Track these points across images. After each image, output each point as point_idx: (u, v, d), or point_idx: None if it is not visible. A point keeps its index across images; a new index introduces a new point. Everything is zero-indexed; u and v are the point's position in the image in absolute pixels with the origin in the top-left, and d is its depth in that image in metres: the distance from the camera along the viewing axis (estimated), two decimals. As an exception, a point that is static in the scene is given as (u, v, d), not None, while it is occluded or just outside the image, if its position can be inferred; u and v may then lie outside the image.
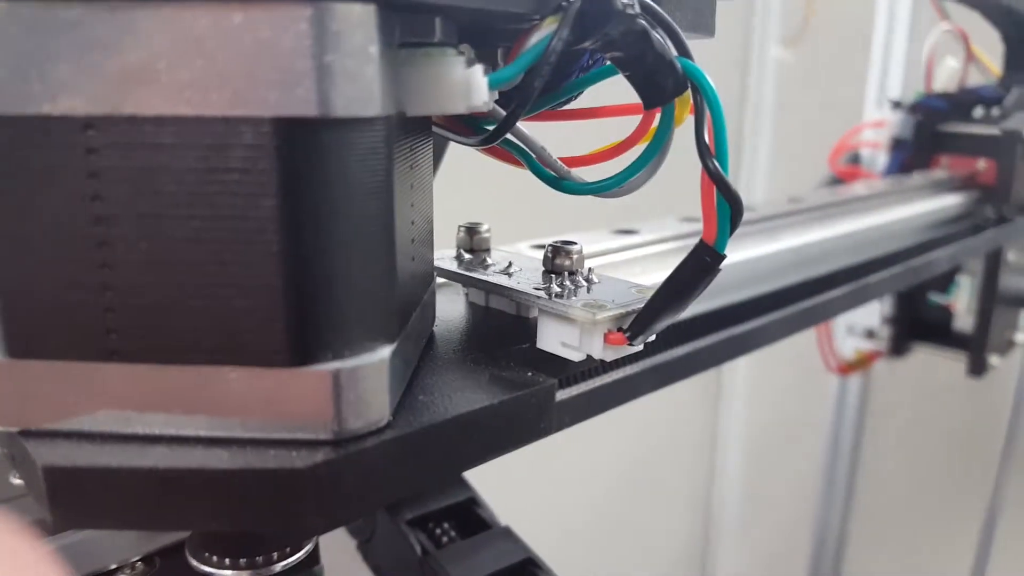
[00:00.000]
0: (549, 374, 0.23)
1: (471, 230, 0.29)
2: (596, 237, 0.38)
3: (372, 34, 0.16)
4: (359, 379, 0.18)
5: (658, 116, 0.22)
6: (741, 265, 0.41)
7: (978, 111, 0.71)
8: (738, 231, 0.45)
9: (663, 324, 0.23)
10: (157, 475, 0.17)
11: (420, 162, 0.22)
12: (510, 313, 0.28)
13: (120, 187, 0.17)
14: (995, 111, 0.70)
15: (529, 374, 0.22)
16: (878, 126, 0.72)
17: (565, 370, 0.24)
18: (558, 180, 0.24)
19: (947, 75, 0.74)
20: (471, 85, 0.19)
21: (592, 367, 0.26)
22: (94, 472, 0.17)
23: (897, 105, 0.72)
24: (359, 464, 0.18)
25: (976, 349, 0.71)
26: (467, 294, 0.29)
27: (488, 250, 0.29)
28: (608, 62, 0.22)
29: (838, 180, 0.74)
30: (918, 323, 0.76)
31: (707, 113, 0.21)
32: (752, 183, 1.10)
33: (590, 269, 0.26)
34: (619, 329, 0.23)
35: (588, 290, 0.25)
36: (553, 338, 0.24)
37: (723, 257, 0.22)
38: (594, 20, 0.20)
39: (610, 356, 0.23)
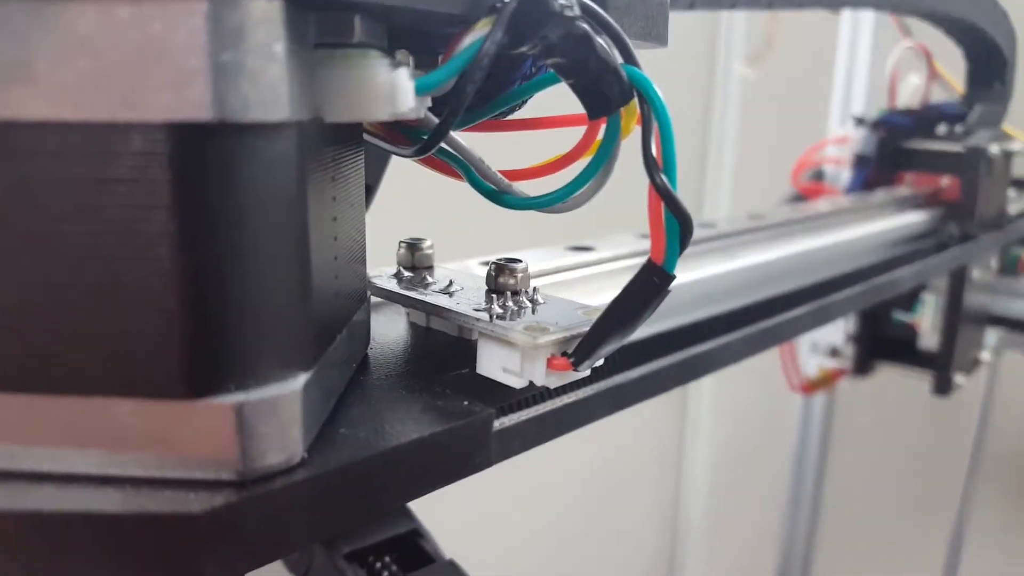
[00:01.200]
0: (489, 402, 0.22)
1: (412, 246, 0.28)
2: (549, 254, 0.37)
3: (278, 31, 0.15)
4: (266, 412, 0.16)
5: (603, 127, 0.21)
6: (699, 283, 0.40)
7: (941, 128, 0.70)
8: (696, 248, 0.44)
9: (610, 349, 0.22)
10: (39, 520, 0.15)
11: (346, 173, 0.20)
12: (451, 335, 0.26)
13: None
14: (958, 128, 0.70)
15: (465, 403, 0.21)
16: (841, 142, 0.72)
17: (507, 397, 0.22)
18: (498, 194, 0.22)
19: (910, 92, 0.74)
20: (395, 89, 0.17)
21: (538, 392, 0.24)
22: (-34, 517, 0.15)
23: (860, 122, 0.71)
24: (266, 507, 0.16)
25: (941, 368, 0.70)
26: (408, 314, 0.28)
27: (431, 267, 0.28)
28: (551, 69, 0.21)
29: (801, 197, 0.73)
30: (882, 341, 0.76)
31: (654, 124, 0.20)
32: (716, 200, 1.09)
33: (535, 289, 0.24)
34: (563, 354, 0.22)
35: (533, 311, 0.23)
36: (493, 363, 0.22)
37: (672, 278, 0.21)
38: (530, 23, 0.18)
39: (553, 383, 0.22)
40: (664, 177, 0.20)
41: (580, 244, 0.38)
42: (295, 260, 0.17)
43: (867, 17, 0.91)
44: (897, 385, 0.82)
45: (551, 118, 0.22)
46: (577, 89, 0.20)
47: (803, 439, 1.09)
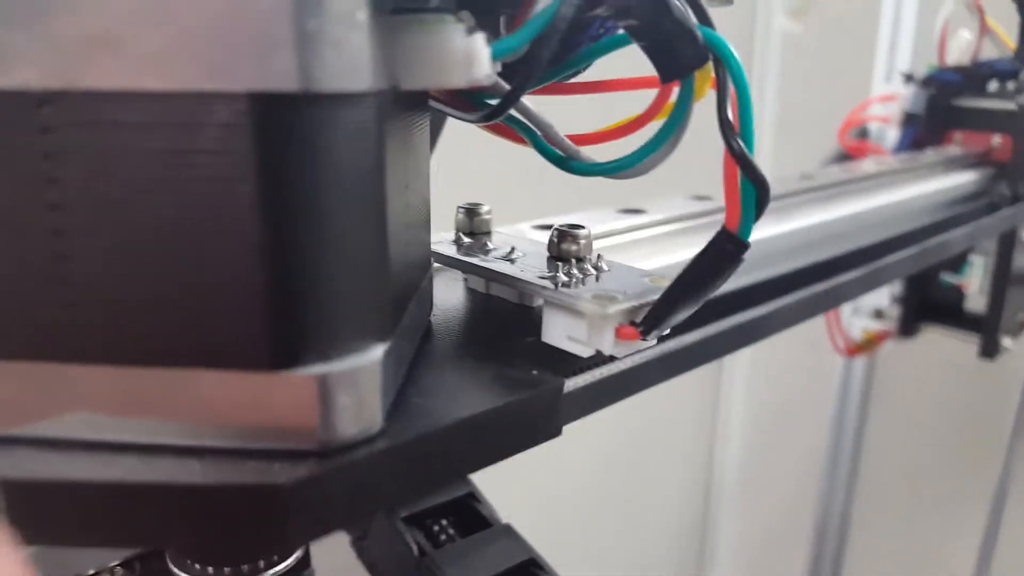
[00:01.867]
0: (556, 371, 0.21)
1: (471, 211, 0.27)
2: (600, 217, 0.36)
3: (360, -3, 0.14)
4: (349, 383, 0.16)
5: (676, 90, 0.20)
6: (753, 246, 0.39)
7: (992, 85, 0.68)
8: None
9: (679, 318, 0.21)
10: (125, 489, 0.16)
11: (415, 140, 0.20)
12: (512, 301, 0.26)
13: (78, 170, 0.15)
14: (1010, 85, 0.68)
15: (534, 372, 0.21)
16: (889, 100, 0.70)
17: (573, 365, 0.22)
18: (565, 160, 0.22)
19: (960, 48, 0.72)
20: (472, 56, 0.17)
21: (598, 359, 0.24)
22: (57, 486, 0.16)
23: (909, 78, 0.69)
24: (347, 478, 0.16)
25: (989, 331, 0.69)
26: (466, 280, 0.28)
27: (488, 233, 0.28)
28: (621, 31, 0.20)
29: (846, 156, 0.72)
30: (929, 303, 0.75)
31: (731, 87, 0.19)
32: (756, 158, 1.08)
33: (599, 255, 0.24)
34: (631, 323, 0.21)
35: (597, 279, 0.23)
36: (559, 332, 0.22)
37: (747, 246, 0.20)
38: (608, -17, 0.18)
39: (621, 352, 0.22)
40: (741, 142, 0.19)
41: (631, 207, 0.38)
42: (375, 230, 0.17)
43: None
44: (937, 346, 0.81)
45: (620, 80, 0.22)
46: (649, 51, 0.20)
47: (842, 400, 1.09)
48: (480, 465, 0.19)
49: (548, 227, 0.33)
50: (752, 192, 0.20)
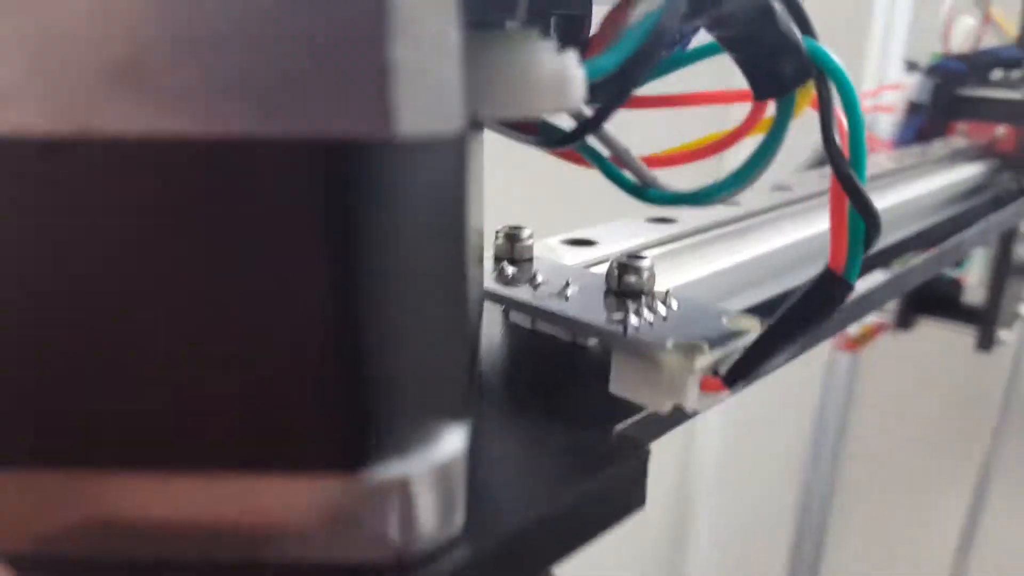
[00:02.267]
0: (635, 428, 0.19)
1: (512, 237, 0.25)
2: (630, 228, 0.34)
3: (451, 13, 0.12)
4: (431, 482, 0.13)
5: (772, 107, 0.18)
6: (777, 254, 0.37)
7: (996, 74, 0.67)
8: (773, 213, 0.41)
9: (768, 367, 0.19)
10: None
11: (478, 172, 0.17)
12: (563, 339, 0.23)
13: (95, 236, 0.12)
14: (1015, 74, 0.66)
15: (616, 437, 0.18)
16: (894, 89, 0.68)
17: (651, 423, 0.20)
18: (641, 189, 0.19)
19: (963, 35, 0.70)
20: (565, 79, 0.14)
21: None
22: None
23: (913, 67, 0.68)
24: (430, 595, 0.13)
25: (987, 324, 0.68)
26: (506, 311, 0.25)
27: (531, 259, 0.25)
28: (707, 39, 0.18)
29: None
30: (926, 296, 0.73)
31: (838, 108, 0.17)
32: (737, 149, 1.06)
33: (668, 291, 0.22)
34: (714, 372, 0.19)
35: (665, 318, 0.21)
36: (632, 383, 0.20)
37: (851, 289, 0.18)
38: (716, -8, 0.15)
39: (704, 406, 0.19)
40: (852, 170, 0.17)
41: (660, 216, 0.35)
42: (457, 293, 0.14)
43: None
44: (924, 336, 0.80)
45: (705, 94, 0.19)
46: (744, 65, 0.17)
47: (826, 389, 1.08)
48: (566, 554, 0.16)
49: (579, 242, 0.31)
50: (861, 228, 0.17)
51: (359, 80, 0.11)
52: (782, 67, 0.17)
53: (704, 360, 0.18)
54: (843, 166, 0.17)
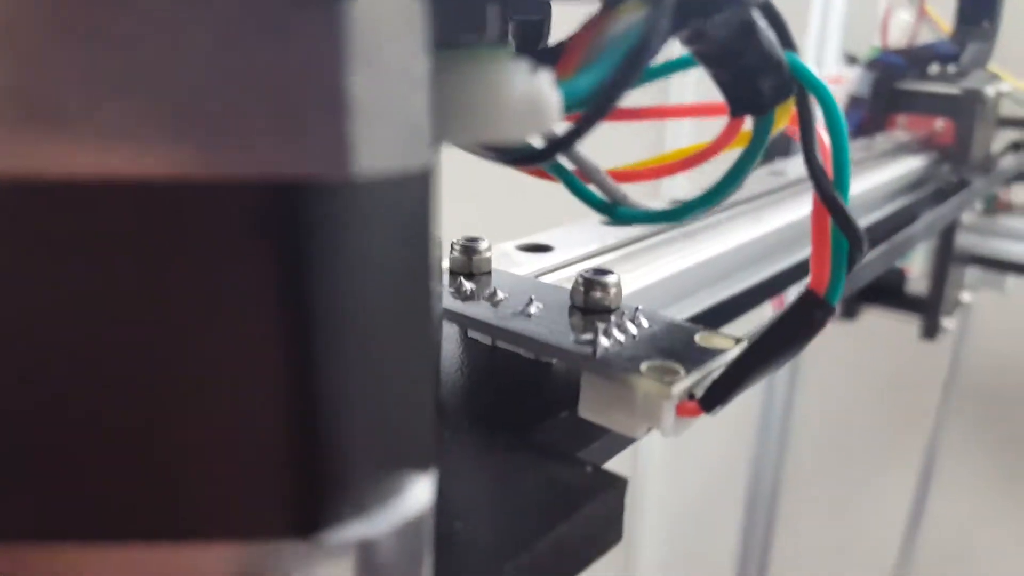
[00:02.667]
0: (599, 450, 0.18)
1: (469, 249, 0.23)
2: (586, 233, 0.33)
3: (418, 41, 0.10)
4: (393, 542, 0.12)
5: (752, 123, 0.17)
6: (732, 253, 0.37)
7: (934, 68, 0.68)
8: (718, 214, 0.41)
9: (746, 389, 0.18)
10: None
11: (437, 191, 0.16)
12: (526, 357, 0.22)
13: (26, 286, 0.10)
14: (951, 68, 0.67)
15: (589, 469, 0.17)
16: (835, 82, 0.68)
17: (620, 445, 0.19)
18: (611, 206, 0.18)
19: (899, 30, 0.71)
20: (539, 103, 0.13)
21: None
22: None
23: (853, 60, 0.68)
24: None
25: (931, 312, 0.69)
26: (464, 329, 0.24)
27: (489, 273, 0.24)
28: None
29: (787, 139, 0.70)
30: (871, 285, 0.74)
31: (820, 126, 0.16)
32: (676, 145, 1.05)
33: (637, 308, 0.21)
34: (690, 396, 0.18)
35: (635, 337, 0.20)
36: (603, 408, 0.19)
37: (833, 311, 0.17)
38: (697, 7, 0.14)
39: (679, 430, 0.18)
40: (835, 190, 0.16)
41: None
42: (422, 338, 0.13)
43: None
44: (868, 322, 0.81)
45: (681, 107, 0.18)
46: (722, 80, 0.16)
47: (773, 377, 1.09)
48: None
49: (536, 247, 0.30)
50: (844, 248, 0.16)
51: (314, 115, 0.10)
52: (761, 84, 0.16)
53: (681, 385, 0.17)
54: (827, 186, 0.16)
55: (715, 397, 0.18)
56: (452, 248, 0.24)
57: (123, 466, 0.11)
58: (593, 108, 0.14)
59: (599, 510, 0.16)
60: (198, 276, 0.10)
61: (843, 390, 1.13)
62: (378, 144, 0.10)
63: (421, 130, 0.11)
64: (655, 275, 0.31)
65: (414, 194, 0.11)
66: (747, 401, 1.13)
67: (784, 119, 0.17)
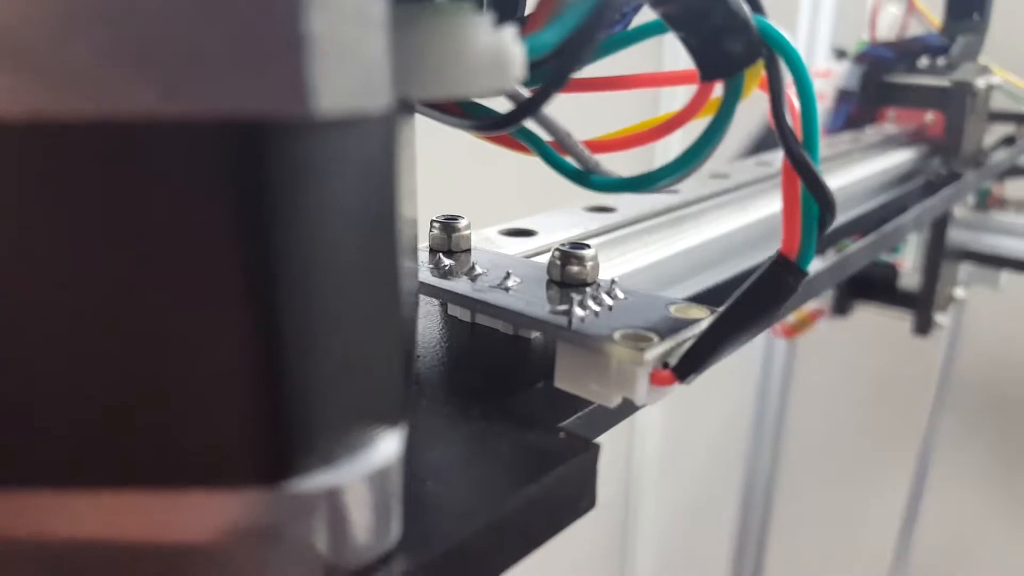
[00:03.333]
0: (577, 423, 0.18)
1: (447, 226, 0.23)
2: (569, 217, 0.33)
3: (375, -16, 0.10)
4: (363, 492, 0.12)
5: (721, 88, 0.17)
6: (716, 242, 0.37)
7: (923, 61, 0.68)
8: (711, 202, 0.41)
9: (720, 358, 0.18)
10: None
11: (409, 157, 0.16)
12: (504, 332, 0.22)
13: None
14: (941, 60, 0.67)
15: (562, 435, 0.17)
16: (824, 76, 0.69)
17: (599, 417, 0.19)
18: (584, 174, 0.18)
19: (888, 23, 0.71)
20: (502, 57, 0.13)
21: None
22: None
23: (842, 54, 0.68)
24: (366, 616, 0.12)
25: (923, 308, 0.69)
26: (444, 306, 0.24)
27: (468, 250, 0.24)
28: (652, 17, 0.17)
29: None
30: (863, 281, 0.74)
31: (790, 88, 0.16)
32: (667, 146, 1.06)
33: (612, 280, 0.21)
34: (664, 364, 0.18)
35: (611, 309, 0.20)
36: (578, 377, 0.19)
37: (805, 275, 0.17)
38: (661, -37, 0.14)
39: (654, 399, 0.18)
40: (804, 151, 0.16)
41: (600, 204, 0.35)
42: (387, 289, 0.13)
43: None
44: (861, 319, 0.81)
45: (648, 76, 0.18)
46: (690, 44, 0.16)
47: (765, 370, 1.09)
48: (513, 563, 0.15)
49: (519, 232, 0.30)
50: (815, 211, 0.17)
51: (272, 54, 0.10)
52: (730, 46, 0.16)
53: (654, 351, 0.17)
54: (796, 148, 0.16)
55: (689, 365, 0.18)
56: (432, 226, 0.24)
57: (94, 415, 0.11)
58: (558, 66, 0.14)
59: (571, 473, 0.16)
60: (161, 216, 0.10)
61: (837, 387, 1.13)
62: (336, 84, 0.10)
63: (380, 72, 0.11)
64: (639, 261, 0.31)
65: (375, 137, 0.11)
66: (742, 400, 1.14)
67: (754, 83, 0.17)
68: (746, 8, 0.16)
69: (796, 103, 0.16)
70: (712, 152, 0.17)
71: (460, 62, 0.13)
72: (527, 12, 0.19)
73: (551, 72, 0.14)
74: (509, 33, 0.13)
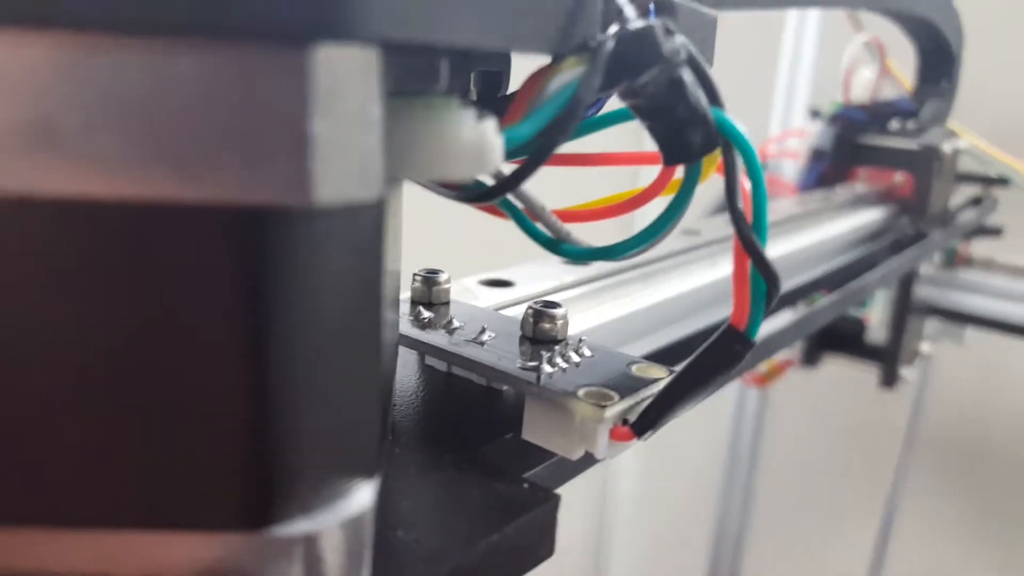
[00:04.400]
0: (545, 476, 0.19)
1: (429, 280, 0.25)
2: (546, 270, 0.35)
3: (373, 91, 0.12)
4: (338, 539, 0.14)
5: (681, 170, 0.19)
6: (686, 296, 0.38)
7: (894, 123, 0.71)
8: (682, 258, 0.43)
9: (675, 416, 0.20)
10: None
11: (396, 225, 0.18)
12: (478, 383, 0.24)
13: (9, 291, 0.12)
14: (911, 124, 0.70)
15: (526, 486, 0.18)
16: (799, 135, 0.71)
17: (561, 470, 0.20)
18: (555, 243, 0.20)
19: (861, 86, 0.74)
20: (484, 147, 0.14)
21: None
22: None
23: (816, 115, 0.71)
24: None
25: (889, 362, 0.71)
26: (422, 356, 0.25)
27: (448, 303, 0.25)
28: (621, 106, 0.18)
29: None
30: (831, 334, 0.76)
31: (742, 174, 0.18)
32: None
33: (580, 339, 0.22)
34: (623, 421, 0.20)
35: (578, 365, 0.21)
36: (544, 430, 0.20)
37: (752, 344, 0.19)
38: (629, 65, 0.16)
39: (613, 454, 0.20)
40: (754, 235, 0.18)
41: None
42: (370, 353, 0.14)
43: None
44: (832, 371, 0.83)
45: (619, 155, 0.20)
46: (656, 133, 0.18)
47: (737, 417, 1.11)
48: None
49: (497, 282, 0.31)
50: (763, 288, 0.18)
51: (279, 151, 0.11)
52: (691, 136, 0.18)
53: (614, 409, 0.19)
54: (746, 231, 0.18)
55: (646, 423, 0.19)
56: (414, 279, 0.25)
57: (90, 458, 0.12)
58: (534, 153, 0.16)
59: (532, 522, 0.17)
60: (168, 289, 0.12)
61: (808, 437, 1.15)
62: (335, 177, 0.12)
63: (374, 166, 0.12)
64: (610, 314, 0.32)
65: (367, 222, 0.13)
66: (714, 446, 1.15)
67: (711, 168, 0.18)
68: (705, 104, 0.17)
69: (748, 188, 0.18)
70: (672, 228, 0.19)
71: (446, 151, 0.14)
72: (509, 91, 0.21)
73: (529, 155, 0.16)
74: (490, 126, 0.14)
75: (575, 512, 1.13)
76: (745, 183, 0.18)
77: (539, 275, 0.33)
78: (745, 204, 0.18)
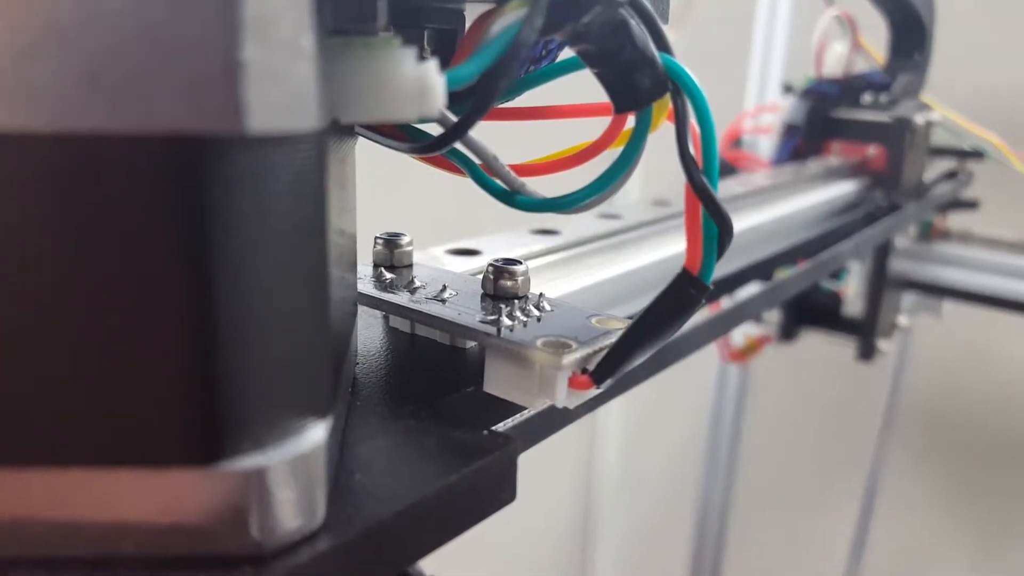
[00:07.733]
0: (504, 424, 0.19)
1: (390, 243, 0.25)
2: (514, 239, 0.35)
3: (305, 19, 0.12)
4: (289, 474, 0.14)
5: (632, 119, 0.19)
6: (656, 265, 0.38)
7: (867, 97, 0.71)
8: (653, 227, 0.43)
9: (634, 364, 0.20)
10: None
11: (347, 174, 0.18)
12: (442, 343, 0.24)
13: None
14: (883, 97, 0.70)
15: (485, 432, 0.19)
16: (772, 111, 0.71)
17: (522, 419, 0.20)
18: (510, 194, 0.20)
19: (834, 60, 0.74)
20: (425, 87, 0.14)
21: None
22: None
23: (789, 89, 0.71)
24: (291, 584, 0.13)
25: (866, 335, 0.71)
26: (387, 318, 0.25)
27: (410, 265, 0.25)
28: (570, 53, 0.18)
29: (727, 165, 0.73)
30: (808, 308, 0.77)
31: (693, 119, 0.18)
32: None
33: (541, 294, 0.22)
34: (583, 370, 0.20)
35: (539, 320, 0.21)
36: (504, 382, 0.20)
37: (708, 289, 0.19)
38: (570, 7, 0.16)
39: (573, 403, 0.20)
40: (704, 177, 0.18)
41: (544, 227, 0.36)
42: (316, 291, 0.14)
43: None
44: (811, 346, 0.84)
45: (566, 107, 0.20)
46: (604, 79, 0.18)
47: (718, 398, 1.11)
48: (435, 547, 0.17)
49: (464, 251, 0.31)
50: (715, 232, 0.18)
51: (210, 79, 0.11)
52: (639, 82, 0.18)
53: (571, 356, 0.19)
54: (697, 175, 0.18)
55: (604, 371, 0.19)
56: (375, 243, 0.25)
57: (36, 393, 0.12)
58: (478, 96, 0.16)
59: (491, 466, 0.18)
60: (109, 223, 0.12)
61: (790, 413, 1.16)
62: (268, 106, 0.12)
63: (309, 97, 0.12)
64: (580, 282, 0.32)
65: (304, 153, 0.13)
66: (695, 424, 1.16)
67: (662, 116, 0.18)
68: (652, 46, 0.17)
69: (698, 133, 0.18)
70: (626, 178, 0.19)
71: (386, 90, 0.14)
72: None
73: (473, 100, 0.16)
74: (432, 66, 0.14)
75: (561, 495, 1.14)
76: (696, 128, 0.18)
77: (507, 243, 0.33)
78: (696, 149, 0.18)
